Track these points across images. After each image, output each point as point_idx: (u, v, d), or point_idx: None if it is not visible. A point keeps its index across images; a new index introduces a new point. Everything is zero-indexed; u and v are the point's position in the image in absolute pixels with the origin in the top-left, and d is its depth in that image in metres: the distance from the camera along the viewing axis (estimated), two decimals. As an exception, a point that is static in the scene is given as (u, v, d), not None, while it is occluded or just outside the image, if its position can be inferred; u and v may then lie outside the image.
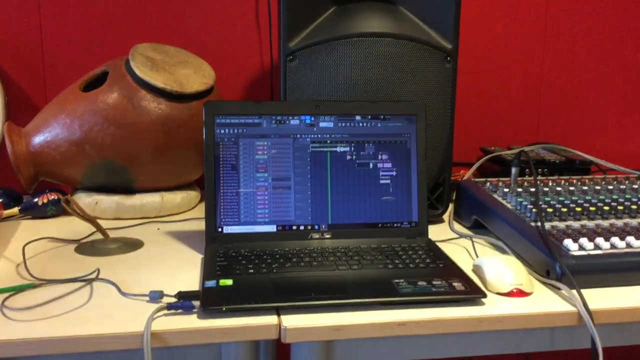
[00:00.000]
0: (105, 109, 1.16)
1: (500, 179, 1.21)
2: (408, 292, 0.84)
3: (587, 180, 1.20)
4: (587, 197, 1.11)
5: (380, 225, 1.04)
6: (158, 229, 1.15)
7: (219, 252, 0.96)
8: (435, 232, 1.13)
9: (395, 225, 1.05)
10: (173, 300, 0.82)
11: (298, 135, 1.03)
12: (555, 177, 1.23)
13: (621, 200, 1.10)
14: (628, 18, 1.58)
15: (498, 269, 0.90)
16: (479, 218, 1.11)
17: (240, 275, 0.88)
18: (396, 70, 1.13)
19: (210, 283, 0.85)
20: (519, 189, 1.13)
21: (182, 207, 1.25)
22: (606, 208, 1.05)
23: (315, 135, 1.04)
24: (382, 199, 1.04)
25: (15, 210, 1.18)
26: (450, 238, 1.12)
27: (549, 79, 1.58)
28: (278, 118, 1.03)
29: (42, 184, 1.31)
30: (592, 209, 1.05)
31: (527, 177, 1.25)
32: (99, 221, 1.10)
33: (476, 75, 1.54)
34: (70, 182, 1.22)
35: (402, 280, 0.87)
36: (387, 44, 1.12)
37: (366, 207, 1.04)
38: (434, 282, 0.86)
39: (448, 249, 1.04)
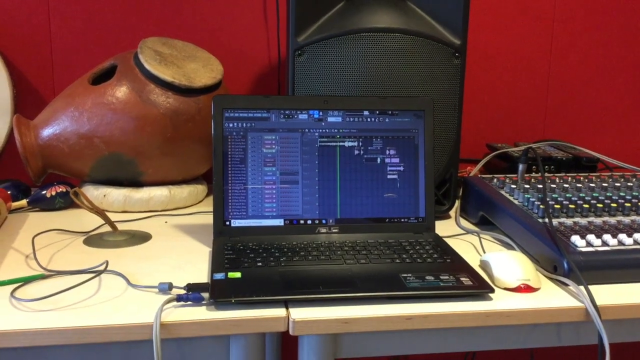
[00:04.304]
0: (114, 102, 1.17)
1: (507, 175, 1.21)
2: (416, 287, 0.84)
3: (594, 177, 1.20)
4: (594, 194, 1.11)
5: (387, 220, 1.05)
6: (166, 222, 1.16)
7: (226, 245, 0.97)
8: (442, 228, 1.14)
9: (402, 220, 1.05)
10: (182, 292, 0.82)
11: (306, 130, 1.04)
12: (562, 174, 1.23)
13: (628, 197, 1.10)
14: (635, 16, 1.57)
15: (505, 264, 0.90)
16: (486, 214, 1.12)
17: (248, 268, 0.89)
18: (404, 65, 1.13)
19: (219, 275, 0.85)
20: (526, 186, 1.13)
21: (190, 200, 1.26)
22: (613, 205, 1.05)
23: (324, 130, 1.04)
24: (385, 195, 1.04)
25: (24, 202, 1.19)
26: (457, 234, 1.12)
27: (556, 75, 1.57)
28: (286, 112, 1.03)
29: (50, 176, 1.31)
30: (599, 205, 1.05)
31: (534, 174, 1.25)
32: (107, 214, 1.10)
33: (484, 72, 1.54)
34: (79, 174, 1.23)
35: (409, 275, 0.87)
36: (396, 39, 1.13)
37: (373, 202, 1.04)
38: (442, 277, 0.87)
39: (455, 244, 1.04)
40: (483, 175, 1.21)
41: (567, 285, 0.88)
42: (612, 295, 0.87)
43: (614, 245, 0.93)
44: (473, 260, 0.97)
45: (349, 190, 1.04)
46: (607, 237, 0.94)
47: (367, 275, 0.87)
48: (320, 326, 0.79)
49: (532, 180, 1.17)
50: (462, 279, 0.86)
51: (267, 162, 1.03)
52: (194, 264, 0.95)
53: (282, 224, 1.02)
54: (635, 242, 0.94)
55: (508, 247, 1.04)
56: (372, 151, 1.05)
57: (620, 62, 1.59)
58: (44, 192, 1.19)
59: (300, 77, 1.13)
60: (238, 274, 0.86)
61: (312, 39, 1.12)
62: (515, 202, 1.08)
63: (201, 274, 0.91)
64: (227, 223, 1.01)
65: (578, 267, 0.88)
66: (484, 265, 0.94)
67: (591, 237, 0.94)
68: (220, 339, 0.81)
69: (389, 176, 1.05)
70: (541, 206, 1.03)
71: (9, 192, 1.19)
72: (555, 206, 1.04)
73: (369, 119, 1.05)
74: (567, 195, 1.10)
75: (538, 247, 0.96)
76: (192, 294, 0.80)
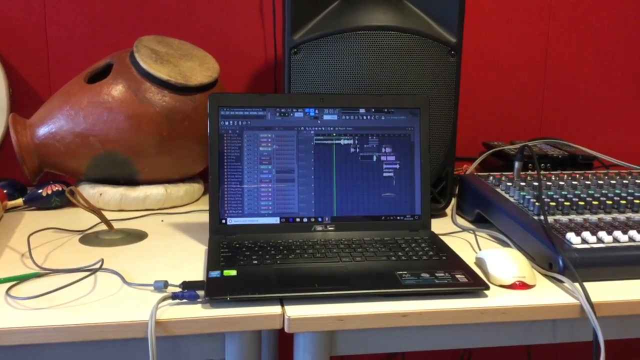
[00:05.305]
0: (110, 100, 1.17)
1: (503, 173, 1.21)
2: (411, 284, 0.84)
3: (590, 175, 1.20)
4: (590, 192, 1.11)
5: (383, 218, 1.05)
6: (162, 220, 1.16)
7: (222, 243, 0.97)
8: (438, 226, 1.14)
9: (398, 218, 1.05)
10: (178, 290, 0.82)
11: (302, 128, 1.04)
12: (558, 172, 1.23)
13: (624, 194, 1.10)
14: (632, 13, 1.58)
15: (501, 261, 0.90)
16: (482, 212, 1.12)
17: (244, 266, 0.89)
18: (400, 63, 1.13)
19: (215, 273, 0.85)
20: (522, 183, 1.13)
21: (186, 199, 1.26)
22: (609, 202, 1.05)
23: (319, 128, 1.04)
24: (381, 193, 1.05)
25: (20, 201, 1.19)
26: (453, 231, 1.12)
27: (552, 73, 1.58)
28: (282, 110, 1.03)
29: (46, 175, 1.31)
30: (594, 203, 1.05)
31: (530, 172, 1.25)
32: (103, 212, 1.10)
33: (479, 70, 1.54)
34: (74, 173, 1.23)
35: (405, 272, 0.87)
36: (392, 37, 1.13)
37: (369, 200, 1.04)
38: (437, 274, 0.87)
39: (451, 242, 1.04)
40: (479, 173, 1.21)
41: (562, 282, 0.89)
42: (607, 292, 0.87)
43: (609, 242, 0.93)
44: (469, 258, 0.97)
45: (345, 188, 1.04)
46: (602, 234, 0.94)
47: (363, 273, 0.87)
48: (315, 323, 0.79)
49: (528, 178, 1.17)
50: (457, 276, 0.86)
51: (263, 160, 1.03)
52: (190, 262, 0.95)
53: (278, 222, 1.02)
54: (631, 239, 0.94)
55: (504, 244, 1.04)
56: (368, 149, 1.05)
57: (616, 60, 1.60)
58: (40, 190, 1.19)
59: (296, 75, 1.13)
60: (234, 272, 0.86)
61: (308, 37, 1.12)
62: (511, 199, 1.08)
63: (197, 272, 0.91)
64: (223, 221, 1.01)
65: (573, 264, 0.88)
66: (480, 262, 0.94)
67: (586, 234, 0.94)
68: (215, 337, 0.81)
69: (385, 174, 1.05)
70: (537, 204, 1.03)
71: (5, 191, 1.19)
72: (551, 203, 1.04)
73: (364, 117, 1.05)
74: (563, 192, 1.10)
75: (533, 245, 0.96)
76: (188, 291, 0.80)
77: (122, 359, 0.80)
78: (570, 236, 0.93)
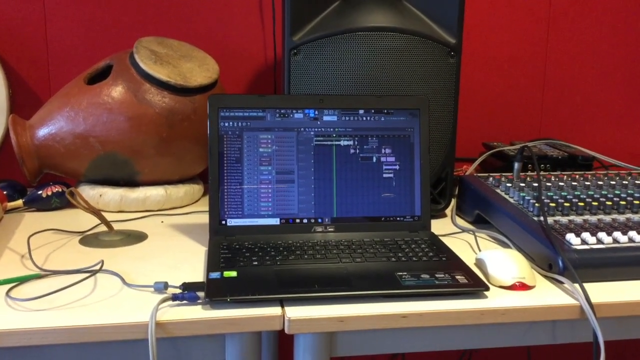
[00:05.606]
0: (110, 102, 1.17)
1: (503, 174, 1.21)
2: (411, 285, 0.84)
3: (589, 176, 1.20)
4: (589, 192, 1.11)
5: (383, 219, 1.05)
6: (162, 221, 1.16)
7: (222, 244, 0.97)
8: (438, 227, 1.14)
9: (398, 219, 1.05)
10: (178, 291, 0.82)
11: (302, 129, 1.04)
12: (558, 173, 1.23)
13: (623, 195, 1.10)
14: (630, 15, 1.58)
15: (501, 262, 0.90)
16: (482, 212, 1.12)
17: (244, 267, 0.89)
18: (400, 64, 1.14)
19: (215, 274, 0.85)
20: (522, 184, 1.13)
21: (186, 200, 1.26)
22: (608, 203, 1.05)
23: (319, 129, 1.04)
24: (381, 194, 1.05)
25: (20, 202, 1.19)
26: (452, 232, 1.12)
27: (552, 74, 1.58)
28: (282, 111, 1.03)
29: (46, 176, 1.31)
30: (594, 203, 1.05)
31: (529, 173, 1.25)
32: (103, 213, 1.10)
33: (479, 71, 1.54)
34: (74, 174, 1.23)
35: (405, 273, 0.87)
36: (391, 38, 1.13)
37: (369, 201, 1.05)
38: (437, 275, 0.87)
39: (450, 243, 1.04)
40: (479, 174, 1.21)
41: (562, 283, 0.89)
42: (606, 292, 0.87)
43: (609, 243, 0.93)
44: (468, 259, 0.97)
45: (345, 189, 1.04)
46: (602, 235, 0.94)
47: (363, 274, 0.87)
48: (315, 325, 0.79)
49: (528, 178, 1.17)
50: (457, 277, 0.87)
51: (263, 161, 1.03)
52: (190, 263, 0.95)
53: (278, 223, 1.02)
54: (630, 239, 0.94)
55: (503, 245, 1.05)
56: (367, 150, 1.05)
57: (616, 60, 1.60)
58: (40, 192, 1.19)
59: (296, 76, 1.13)
60: (234, 273, 0.86)
61: (307, 38, 1.12)
62: (511, 200, 1.08)
63: (197, 273, 0.91)
64: (223, 222, 1.01)
65: (573, 264, 0.88)
66: (480, 263, 0.94)
67: (586, 235, 0.94)
68: (215, 338, 0.81)
69: (384, 175, 1.05)
70: (536, 204, 1.03)
71: (5, 192, 1.19)
72: (551, 204, 1.04)
73: (364, 118, 1.05)
74: (563, 193, 1.10)
75: (533, 245, 0.96)
76: (188, 293, 0.80)
77: (123, 360, 0.80)
78: (570, 237, 0.93)
